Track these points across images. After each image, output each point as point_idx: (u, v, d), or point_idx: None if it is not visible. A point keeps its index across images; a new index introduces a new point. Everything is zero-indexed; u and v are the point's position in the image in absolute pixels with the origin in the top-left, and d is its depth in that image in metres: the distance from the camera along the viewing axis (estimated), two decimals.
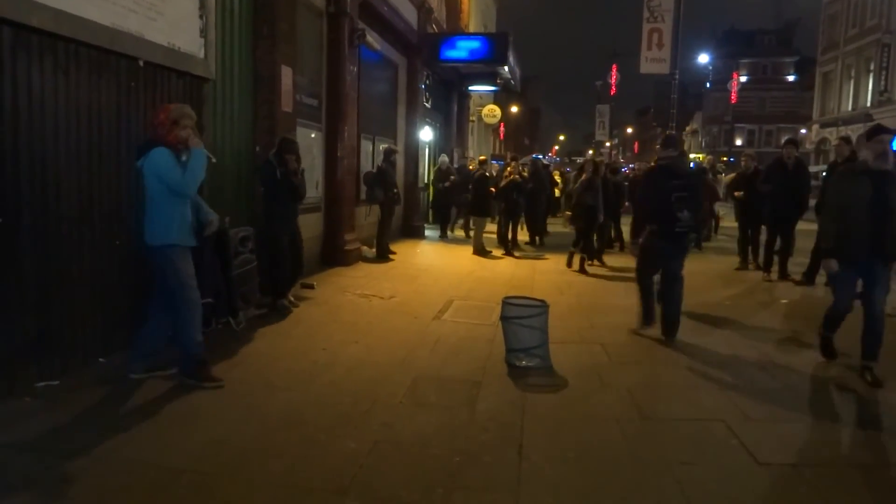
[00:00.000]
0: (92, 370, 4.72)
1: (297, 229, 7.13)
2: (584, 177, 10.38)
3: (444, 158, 15.44)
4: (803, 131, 42.48)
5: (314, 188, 9.40)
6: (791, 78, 57.27)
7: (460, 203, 14.62)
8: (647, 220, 6.14)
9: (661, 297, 6.15)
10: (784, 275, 9.27)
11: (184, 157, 4.40)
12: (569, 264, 10.36)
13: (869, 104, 30.64)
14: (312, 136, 9.38)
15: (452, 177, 14.67)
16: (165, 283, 4.50)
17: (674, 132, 11.12)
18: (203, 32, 6.15)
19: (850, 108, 32.97)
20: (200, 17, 6.11)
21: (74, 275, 4.61)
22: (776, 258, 9.39)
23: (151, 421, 3.97)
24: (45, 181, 4.32)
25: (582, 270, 9.97)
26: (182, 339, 4.55)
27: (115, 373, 4.67)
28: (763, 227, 9.85)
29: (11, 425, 3.76)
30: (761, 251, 9.88)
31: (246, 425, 3.95)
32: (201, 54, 6.13)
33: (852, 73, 33.13)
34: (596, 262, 10.78)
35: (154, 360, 4.71)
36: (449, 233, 14.96)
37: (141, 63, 5.22)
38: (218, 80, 6.53)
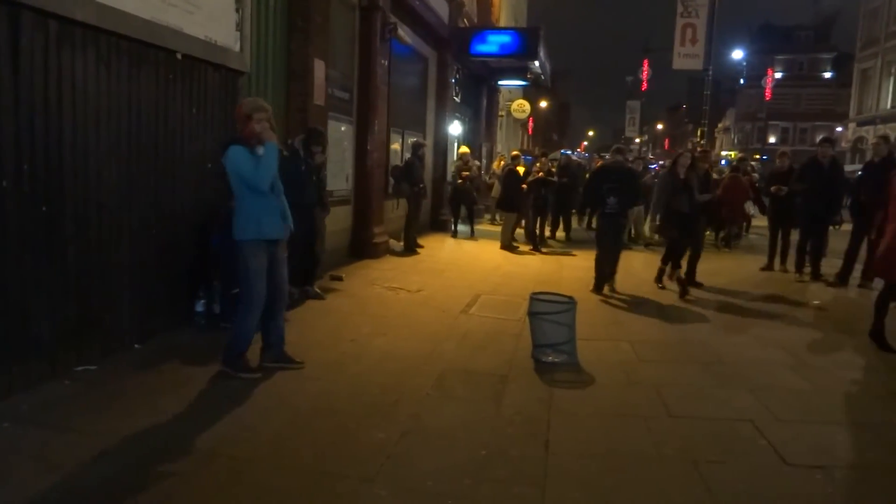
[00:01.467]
0: (129, 356, 4.86)
1: (314, 222, 7.11)
2: (669, 171, 8.22)
3: (466, 150, 14.21)
4: (839, 129, 41.62)
5: (344, 181, 9.49)
6: (828, 75, 56.08)
7: (470, 201, 13.70)
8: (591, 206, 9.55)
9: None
10: (816, 275, 9.14)
11: (260, 152, 4.42)
12: (658, 280, 8.61)
13: None
14: (343, 129, 9.46)
15: (465, 173, 13.35)
16: (238, 274, 4.58)
17: (622, 145, 10.93)
18: (239, 26, 6.25)
19: (889, 105, 32.22)
20: (237, 10, 6.21)
21: (113, 262, 4.74)
22: (808, 258, 9.25)
23: (185, 406, 4.07)
24: (86, 170, 4.45)
25: (683, 290, 8.09)
26: (235, 330, 4.60)
27: (150, 359, 4.80)
28: (793, 227, 9.71)
29: (51, 407, 3.90)
30: (791, 252, 9.74)
31: (277, 413, 4.03)
32: (237, 47, 6.23)
33: (892, 70, 32.35)
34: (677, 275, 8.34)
35: (279, 351, 4.84)
36: (458, 230, 13.63)
37: (179, 56, 5.33)
38: (252, 73, 6.63)
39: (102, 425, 3.70)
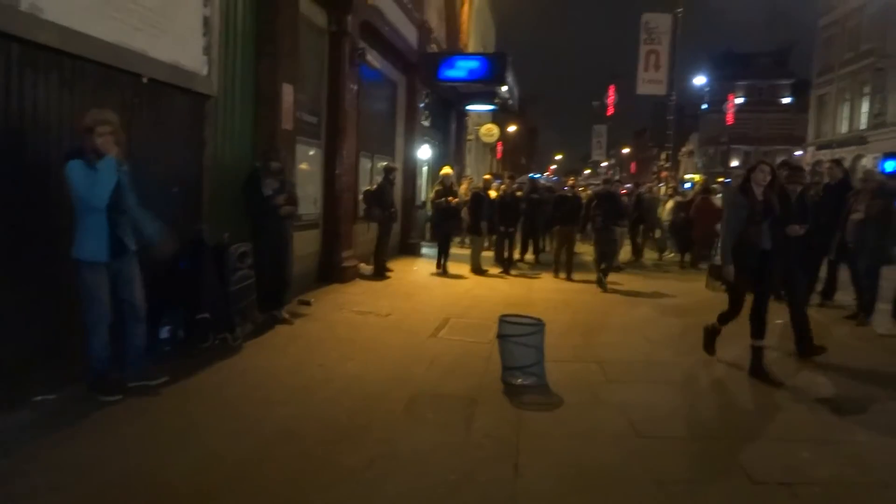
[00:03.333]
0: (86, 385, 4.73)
1: (282, 245, 7.08)
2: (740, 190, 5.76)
3: (449, 171, 12.70)
4: (799, 153, 42.78)
5: (312, 205, 9.45)
6: (787, 100, 57.72)
7: (454, 229, 12.67)
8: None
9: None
10: (778, 295, 9.31)
11: (99, 167, 4.24)
12: (708, 347, 6.17)
13: (864, 126, 30.90)
14: (311, 153, 9.45)
15: (453, 199, 12.47)
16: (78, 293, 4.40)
17: (608, 176, 11.96)
18: (206, 50, 6.24)
19: (844, 130, 33.23)
20: (204, 34, 6.20)
21: (68, 290, 4.62)
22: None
23: (148, 434, 3.99)
24: (48, 197, 4.37)
25: (760, 375, 5.56)
26: (88, 349, 4.45)
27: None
28: None
29: (6, 438, 3.77)
30: None
31: (243, 439, 3.97)
32: (204, 71, 6.21)
33: (847, 96, 33.40)
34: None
35: (138, 369, 4.72)
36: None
37: (144, 80, 5.29)
38: (220, 96, 6.60)
39: (61, 457, 3.60)
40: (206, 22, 6.21)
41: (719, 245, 5.86)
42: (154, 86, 5.45)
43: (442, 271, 11.51)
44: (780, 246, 5.67)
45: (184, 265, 5.75)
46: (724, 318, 5.96)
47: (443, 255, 11.72)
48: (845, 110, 33.52)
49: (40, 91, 4.26)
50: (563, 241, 11.68)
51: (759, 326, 5.59)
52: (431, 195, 13.21)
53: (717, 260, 5.92)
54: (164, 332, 5.64)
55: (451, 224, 12.13)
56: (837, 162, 9.05)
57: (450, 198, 11.93)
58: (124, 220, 4.46)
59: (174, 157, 5.86)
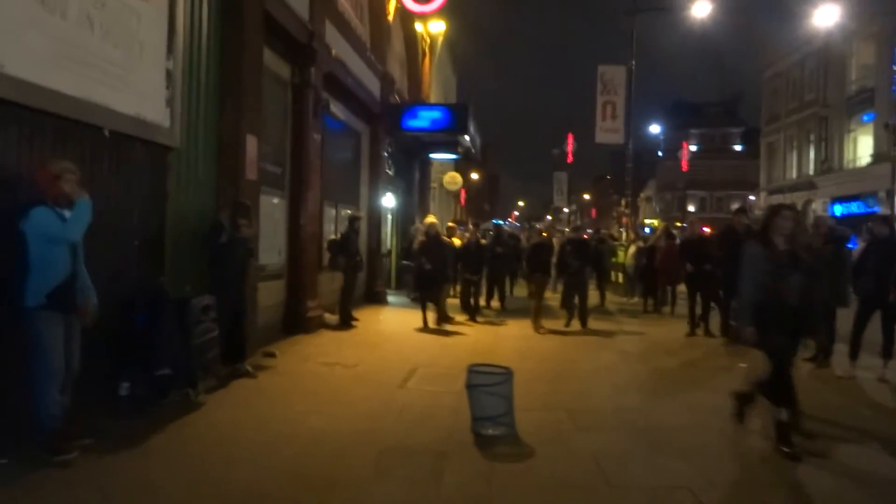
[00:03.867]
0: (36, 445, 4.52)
1: (242, 297, 7.00)
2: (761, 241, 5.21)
3: (433, 220, 12.40)
4: (752, 198, 44.16)
5: (276, 255, 9.37)
6: (738, 147, 59.87)
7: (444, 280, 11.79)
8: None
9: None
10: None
11: (67, 214, 4.28)
12: (783, 444, 4.83)
13: (812, 172, 32.14)
14: (275, 202, 9.42)
15: (457, 240, 12.80)
16: (28, 345, 4.28)
17: (580, 223, 12.96)
18: (169, 102, 6.21)
19: (794, 175, 34.50)
20: (167, 87, 6.18)
21: (17, 343, 4.44)
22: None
23: (105, 499, 3.82)
24: (3, 247, 4.24)
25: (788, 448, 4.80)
26: (36, 409, 4.29)
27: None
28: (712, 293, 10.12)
29: None
30: (714, 316, 10.14)
31: (205, 501, 3.82)
32: (167, 123, 6.18)
33: (794, 144, 34.79)
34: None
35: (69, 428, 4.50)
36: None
37: (106, 133, 5.25)
38: (183, 148, 6.56)
39: None
40: (169, 74, 6.20)
41: (735, 305, 5.24)
42: (116, 138, 5.40)
43: (435, 326, 10.82)
44: (809, 302, 5.09)
45: (143, 319, 5.60)
46: (770, 389, 5.02)
47: (429, 308, 11.13)
48: (793, 157, 34.88)
49: None
50: (541, 289, 11.48)
51: (783, 393, 4.90)
52: (416, 245, 11.90)
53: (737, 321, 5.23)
54: (123, 390, 5.44)
55: (441, 274, 11.27)
56: (884, 218, 8.85)
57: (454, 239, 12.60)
58: (78, 272, 4.40)
59: (136, 210, 5.77)
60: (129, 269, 5.67)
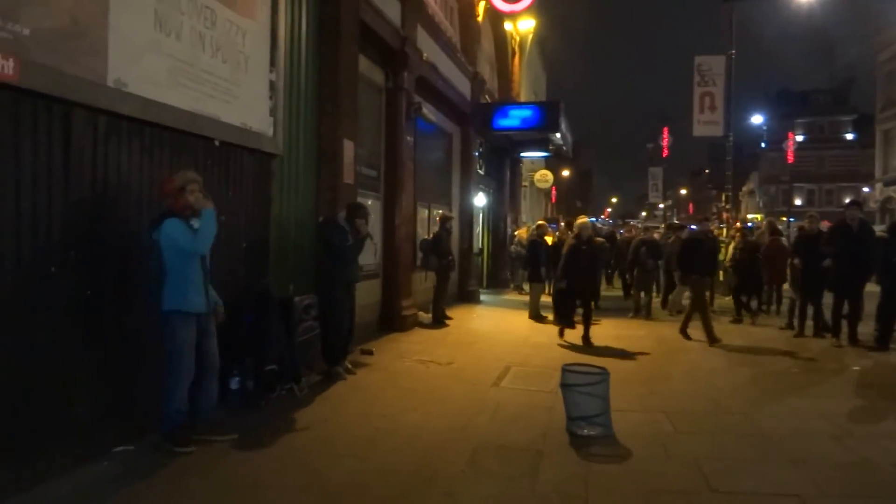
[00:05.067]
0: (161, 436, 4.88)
1: (352, 296, 7.26)
2: None
3: (585, 220, 10.39)
4: (866, 190, 41.31)
5: (372, 255, 9.64)
6: (850, 136, 56.11)
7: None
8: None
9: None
10: (854, 341, 8.94)
11: (195, 224, 4.59)
12: None
13: None
14: (371, 203, 9.68)
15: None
16: (164, 347, 4.62)
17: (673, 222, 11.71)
18: (273, 111, 6.54)
19: None
20: (270, 98, 6.51)
21: (150, 343, 4.83)
22: (844, 323, 9.08)
23: (218, 487, 4.08)
24: (127, 256, 4.62)
25: None
26: (167, 402, 4.61)
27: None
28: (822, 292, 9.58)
29: (88, 489, 3.92)
30: (824, 315, 9.60)
31: (309, 493, 4.01)
32: (270, 132, 6.51)
33: None
34: None
35: (210, 422, 4.87)
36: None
37: (217, 143, 5.59)
38: (285, 155, 6.88)
39: None
40: (272, 86, 6.53)
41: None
42: (225, 148, 5.74)
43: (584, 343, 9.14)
44: None
45: (251, 317, 5.93)
46: None
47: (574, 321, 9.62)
48: None
49: (123, 157, 4.54)
50: (701, 294, 9.83)
51: None
52: (569, 242, 9.83)
53: None
54: (234, 384, 5.79)
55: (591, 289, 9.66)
56: None
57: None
58: (206, 277, 4.76)
59: (243, 215, 6.11)
60: (237, 270, 6.02)
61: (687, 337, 9.64)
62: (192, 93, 5.23)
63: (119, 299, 4.55)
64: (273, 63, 6.54)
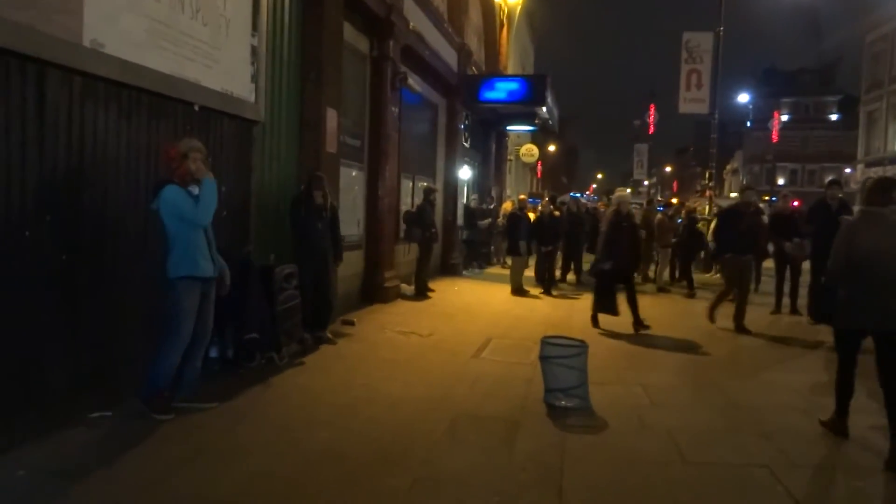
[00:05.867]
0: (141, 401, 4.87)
1: (325, 267, 7.19)
2: None
3: (624, 193, 10.06)
4: (848, 171, 41.68)
5: (355, 226, 9.60)
6: (834, 117, 56.47)
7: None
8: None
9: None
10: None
11: (195, 191, 4.59)
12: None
13: None
14: (354, 174, 9.63)
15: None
16: (164, 312, 4.64)
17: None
18: (254, 78, 6.44)
19: None
20: (252, 63, 6.40)
21: (129, 310, 4.80)
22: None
23: (197, 453, 4.08)
24: (104, 221, 4.56)
25: None
26: (156, 366, 4.60)
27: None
28: (801, 269, 9.71)
29: (66, 454, 3.92)
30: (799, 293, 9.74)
31: (288, 459, 4.03)
32: (252, 98, 6.41)
33: None
34: None
35: (191, 390, 4.87)
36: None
37: (196, 108, 5.49)
38: (266, 122, 6.80)
39: (117, 474, 3.72)
40: (254, 51, 6.42)
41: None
42: (205, 113, 5.65)
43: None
44: None
45: (232, 286, 5.89)
46: None
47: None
48: None
49: (100, 120, 4.46)
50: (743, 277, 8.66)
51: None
52: (608, 218, 9.05)
53: None
54: (213, 352, 5.78)
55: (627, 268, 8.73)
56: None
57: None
58: (212, 243, 4.78)
59: (223, 182, 6.01)
60: (218, 238, 5.94)
61: (712, 320, 8.77)
62: (171, 56, 5.13)
63: (96, 264, 4.50)
64: (255, 28, 6.42)
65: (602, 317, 8.68)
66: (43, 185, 4.02)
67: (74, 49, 4.14)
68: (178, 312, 4.59)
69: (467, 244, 15.59)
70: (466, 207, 15.98)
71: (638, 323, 8.39)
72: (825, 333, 8.33)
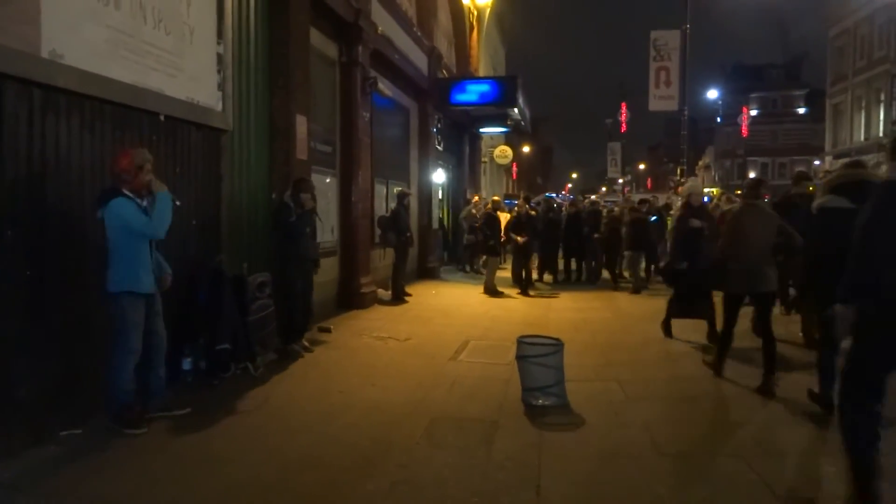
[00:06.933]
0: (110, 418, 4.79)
1: (308, 273, 7.17)
2: None
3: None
4: (817, 163, 42.41)
5: (329, 232, 9.55)
6: (802, 110, 57.39)
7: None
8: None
9: None
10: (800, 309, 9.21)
11: (144, 202, 4.54)
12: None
13: (881, 133, 30.59)
14: (327, 181, 9.58)
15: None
16: (112, 326, 4.56)
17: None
18: (221, 86, 6.38)
19: (862, 138, 32.93)
20: (218, 71, 6.35)
21: (97, 322, 4.72)
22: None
23: (173, 464, 4.03)
24: (69, 234, 4.48)
25: None
26: (112, 381, 4.54)
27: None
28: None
29: (35, 474, 3.83)
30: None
31: (266, 468, 3.99)
32: (219, 107, 6.35)
33: (863, 104, 33.16)
34: None
35: (160, 400, 4.84)
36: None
37: (162, 118, 5.43)
38: (235, 130, 6.73)
39: (89, 491, 3.65)
40: (220, 59, 6.36)
41: None
42: (171, 123, 5.58)
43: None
44: None
45: (203, 296, 5.84)
46: None
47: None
48: (861, 118, 33.27)
49: (62, 132, 4.38)
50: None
51: None
52: (678, 214, 8.27)
53: None
54: (186, 364, 5.72)
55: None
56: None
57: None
58: (154, 257, 4.71)
59: (192, 192, 5.97)
60: (188, 248, 5.89)
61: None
62: (133, 65, 5.06)
63: (62, 278, 4.42)
64: (220, 35, 6.37)
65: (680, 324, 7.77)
66: (2, 199, 3.94)
67: (32, 60, 4.07)
68: (124, 326, 4.51)
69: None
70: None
71: (712, 335, 7.11)
72: (798, 324, 8.48)
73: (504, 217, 13.27)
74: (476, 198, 16.31)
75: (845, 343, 3.47)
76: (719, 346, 6.05)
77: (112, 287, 4.47)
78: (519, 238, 12.04)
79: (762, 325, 5.75)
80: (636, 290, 11.97)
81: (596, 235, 13.47)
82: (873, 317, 3.11)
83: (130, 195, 4.47)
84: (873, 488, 3.14)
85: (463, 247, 15.81)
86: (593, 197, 20.93)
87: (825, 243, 4.66)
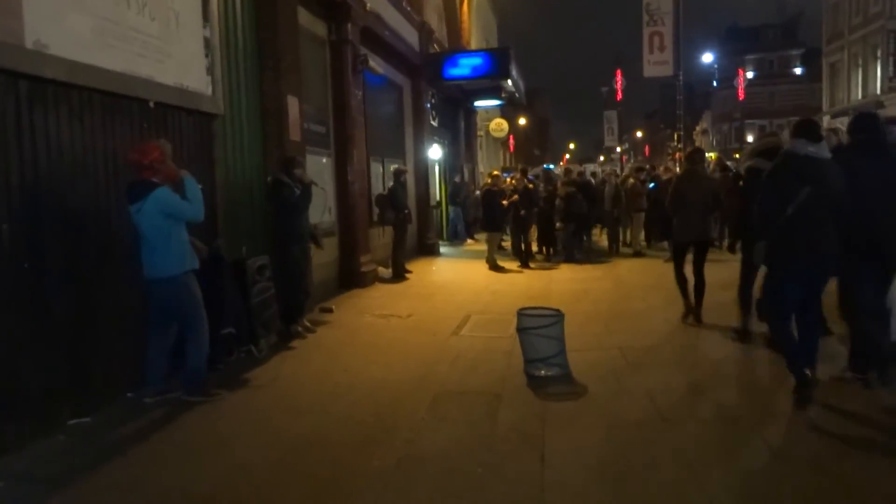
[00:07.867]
0: (121, 405, 4.83)
1: (306, 253, 7.16)
2: None
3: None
4: None
5: (327, 213, 9.54)
6: (798, 70, 56.88)
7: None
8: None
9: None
10: None
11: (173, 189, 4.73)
12: None
13: (879, 91, 30.36)
14: (323, 161, 9.54)
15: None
16: (180, 308, 4.83)
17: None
18: (210, 70, 6.32)
19: (859, 96, 32.68)
20: (206, 55, 6.28)
21: (101, 312, 4.74)
22: None
23: (180, 449, 4.08)
24: (66, 224, 4.48)
25: None
26: (196, 360, 4.86)
27: (142, 406, 4.79)
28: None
29: (45, 464, 3.88)
30: None
31: (272, 449, 4.03)
32: (209, 91, 6.30)
33: (859, 62, 32.83)
34: None
35: (163, 384, 4.94)
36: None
37: (151, 104, 5.39)
38: (227, 114, 6.69)
39: (99, 479, 3.69)
40: (207, 43, 6.29)
41: None
42: (161, 109, 5.55)
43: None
44: None
45: (204, 282, 5.84)
46: None
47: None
48: (858, 75, 32.97)
49: (51, 123, 4.36)
50: None
51: None
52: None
53: None
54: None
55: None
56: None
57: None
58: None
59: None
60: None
61: None
62: (120, 53, 5.01)
63: (62, 268, 4.43)
64: (206, 18, 6.29)
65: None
66: None
67: (17, 51, 4.03)
68: (193, 301, 4.84)
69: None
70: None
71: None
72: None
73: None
74: (496, 171, 15.96)
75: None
76: (679, 287, 7.13)
77: (173, 270, 4.71)
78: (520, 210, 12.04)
79: (697, 267, 6.95)
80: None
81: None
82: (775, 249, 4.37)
83: (166, 184, 4.66)
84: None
85: (472, 219, 15.89)
86: (591, 167, 20.87)
87: (752, 196, 5.08)
